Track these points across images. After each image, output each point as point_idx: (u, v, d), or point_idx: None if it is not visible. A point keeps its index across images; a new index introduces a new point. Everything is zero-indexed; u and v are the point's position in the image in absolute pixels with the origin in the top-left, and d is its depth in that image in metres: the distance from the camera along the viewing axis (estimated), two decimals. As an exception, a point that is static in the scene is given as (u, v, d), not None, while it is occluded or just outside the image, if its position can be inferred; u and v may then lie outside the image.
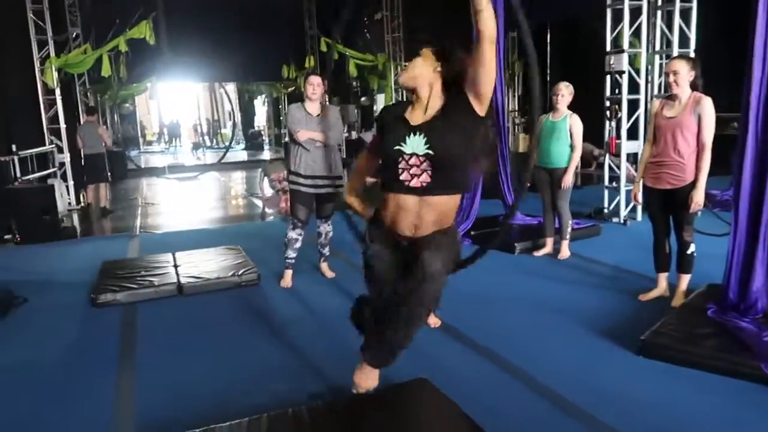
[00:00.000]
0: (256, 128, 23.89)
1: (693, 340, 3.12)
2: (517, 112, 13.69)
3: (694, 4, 6.57)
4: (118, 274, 4.83)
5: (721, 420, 2.58)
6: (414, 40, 2.59)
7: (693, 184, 3.62)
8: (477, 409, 2.48)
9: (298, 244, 4.63)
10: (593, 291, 4.33)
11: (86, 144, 8.83)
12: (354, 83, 15.25)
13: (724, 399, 2.74)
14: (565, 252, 5.21)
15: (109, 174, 9.54)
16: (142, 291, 4.46)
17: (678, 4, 6.52)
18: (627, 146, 6.67)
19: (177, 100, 26.03)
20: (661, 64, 7.04)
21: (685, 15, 6.60)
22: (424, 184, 2.15)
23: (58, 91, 9.00)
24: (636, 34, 6.63)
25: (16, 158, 7.64)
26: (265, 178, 7.84)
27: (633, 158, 6.89)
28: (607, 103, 6.80)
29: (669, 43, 6.75)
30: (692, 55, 6.33)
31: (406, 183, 2.15)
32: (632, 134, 6.72)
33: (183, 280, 4.64)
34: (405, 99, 2.46)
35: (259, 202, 8.75)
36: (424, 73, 2.18)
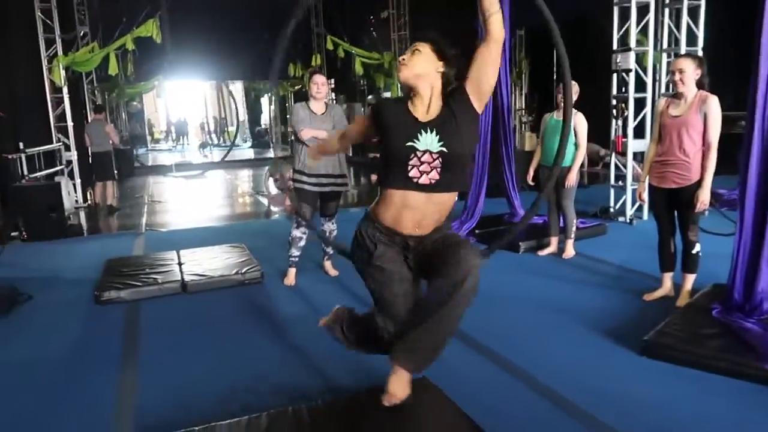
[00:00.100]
0: (263, 126, 23.94)
1: (697, 340, 3.09)
2: (524, 111, 13.64)
3: (703, 2, 6.52)
4: (122, 271, 4.86)
5: (724, 421, 2.56)
6: (415, 37, 2.59)
7: (698, 184, 3.59)
8: (477, 409, 2.46)
9: (302, 243, 4.63)
10: (597, 290, 4.31)
11: (94, 142, 8.88)
12: (360, 81, 15.25)
13: (728, 400, 2.71)
14: (569, 251, 5.19)
15: (116, 172, 9.58)
16: (145, 288, 4.48)
17: (686, 2, 6.47)
18: (633, 145, 6.62)
19: (184, 99, 26.12)
20: (668, 63, 6.98)
21: (693, 13, 6.54)
22: (433, 181, 2.13)
23: (65, 90, 9.05)
24: (643, 32, 6.58)
25: (23, 156, 7.69)
26: (270, 178, 7.87)
27: (640, 157, 6.84)
28: (614, 102, 6.75)
29: (677, 41, 6.69)
30: (700, 53, 6.28)
31: (415, 180, 2.12)
32: (639, 133, 6.69)
33: (187, 278, 4.65)
34: (398, 96, 2.42)
35: (264, 200, 8.77)
36: (427, 73, 2.16)
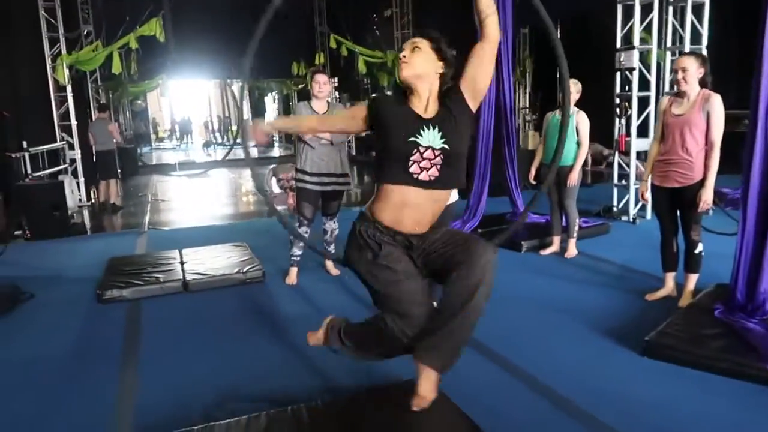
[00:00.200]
0: (267, 125, 23.91)
1: (698, 340, 3.07)
2: (528, 109, 13.61)
3: (707, 0, 6.48)
4: (124, 270, 4.86)
5: (725, 422, 2.54)
6: (414, 33, 2.57)
7: (701, 183, 3.57)
8: (477, 409, 2.46)
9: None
10: (599, 290, 4.29)
11: (97, 141, 8.90)
12: (363, 80, 15.25)
13: (729, 401, 2.69)
14: (572, 250, 5.17)
15: (119, 171, 9.60)
16: (147, 287, 4.49)
17: (690, 0, 6.42)
18: (637, 144, 6.59)
19: (188, 97, 26.16)
20: (672, 61, 6.95)
21: (698, 10, 6.50)
22: (432, 178, 2.13)
23: (69, 88, 9.07)
24: (647, 29, 6.54)
25: (26, 155, 7.71)
26: (273, 177, 7.88)
27: (643, 156, 6.80)
28: (617, 100, 6.72)
29: (681, 39, 6.65)
30: (704, 51, 6.24)
31: (416, 176, 2.11)
32: (642, 132, 6.65)
33: (188, 277, 4.65)
34: (392, 92, 2.39)
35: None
36: (428, 73, 2.16)
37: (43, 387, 3.10)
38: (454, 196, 3.36)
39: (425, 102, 2.17)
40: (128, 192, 11.08)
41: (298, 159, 4.55)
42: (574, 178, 4.93)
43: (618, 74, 6.63)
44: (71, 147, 9.20)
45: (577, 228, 5.17)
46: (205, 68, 14.38)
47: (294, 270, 4.72)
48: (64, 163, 9.09)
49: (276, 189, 7.95)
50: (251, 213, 8.93)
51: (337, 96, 16.04)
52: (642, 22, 6.43)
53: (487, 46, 2.14)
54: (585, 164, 5.45)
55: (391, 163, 2.14)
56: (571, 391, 2.79)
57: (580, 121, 4.90)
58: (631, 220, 6.61)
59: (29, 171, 7.68)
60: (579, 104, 4.98)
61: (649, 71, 6.61)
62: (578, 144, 4.92)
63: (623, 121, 6.73)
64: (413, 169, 2.11)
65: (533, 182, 5.24)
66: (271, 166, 8.60)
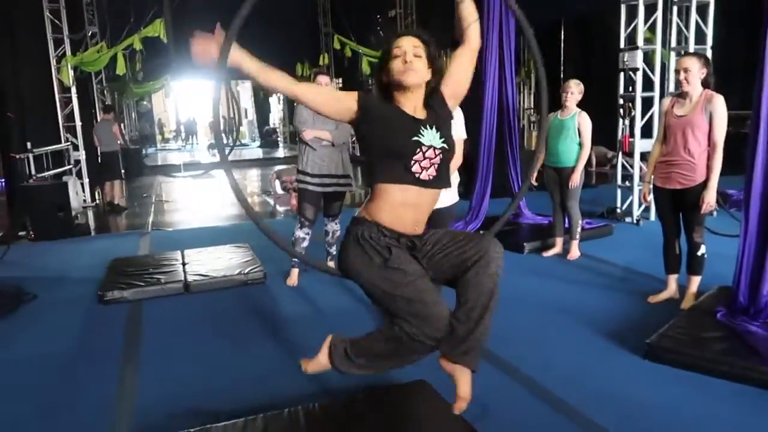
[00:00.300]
0: (271, 126, 23.98)
1: (700, 343, 3.05)
2: (532, 110, 13.58)
3: (712, 0, 6.44)
4: (126, 271, 4.87)
5: (727, 426, 2.52)
6: (413, 33, 2.52)
7: (704, 184, 3.54)
8: (476, 411, 2.43)
9: (305, 243, 4.62)
10: (601, 292, 4.27)
11: (102, 142, 8.94)
12: (368, 81, 15.25)
13: (731, 404, 2.67)
14: (574, 252, 5.14)
15: (122, 171, 9.63)
16: (149, 288, 4.49)
17: (695, 0, 6.38)
18: (641, 145, 6.56)
19: (193, 98, 26.21)
20: (677, 61, 6.90)
21: (702, 10, 6.45)
22: (431, 177, 2.12)
23: (74, 89, 9.11)
24: (651, 29, 6.51)
25: (30, 156, 7.74)
26: (277, 180, 7.90)
27: (647, 157, 6.78)
28: (621, 101, 6.69)
29: (685, 40, 6.61)
30: (709, 51, 6.20)
31: (417, 175, 2.10)
32: (646, 133, 6.60)
33: (190, 278, 4.66)
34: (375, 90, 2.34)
35: (271, 200, 8.79)
36: (425, 78, 2.15)
37: (43, 387, 3.11)
38: (454, 197, 3.35)
39: (413, 104, 2.16)
40: (133, 193, 11.11)
41: (299, 160, 4.56)
42: (576, 179, 4.90)
43: (621, 75, 6.60)
44: (76, 148, 9.23)
45: (579, 229, 5.15)
46: (209, 69, 14.39)
47: (295, 271, 4.72)
48: (69, 164, 9.12)
49: (279, 191, 7.97)
50: (255, 214, 8.92)
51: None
52: (646, 22, 6.40)
53: (469, 53, 2.21)
54: (589, 165, 5.40)
55: (392, 162, 2.12)
56: (571, 394, 2.77)
57: (582, 122, 4.87)
58: (635, 221, 6.58)
59: (33, 172, 7.71)
60: (582, 105, 4.96)
61: (653, 72, 6.58)
62: (580, 145, 4.90)
63: (627, 121, 6.71)
64: (415, 168, 2.10)
65: (535, 184, 5.22)
66: (276, 169, 8.61)
